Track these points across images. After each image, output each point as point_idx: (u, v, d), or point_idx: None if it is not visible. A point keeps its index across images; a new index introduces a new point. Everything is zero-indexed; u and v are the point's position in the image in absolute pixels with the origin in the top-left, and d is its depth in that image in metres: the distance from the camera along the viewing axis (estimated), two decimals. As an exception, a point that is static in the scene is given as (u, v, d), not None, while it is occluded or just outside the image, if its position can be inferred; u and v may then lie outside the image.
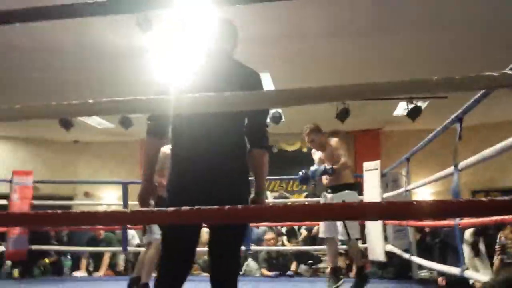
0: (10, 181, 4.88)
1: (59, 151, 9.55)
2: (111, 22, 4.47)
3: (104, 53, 5.11)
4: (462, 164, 2.57)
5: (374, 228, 4.53)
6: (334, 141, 3.97)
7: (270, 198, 7.76)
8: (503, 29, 4.59)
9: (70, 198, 8.78)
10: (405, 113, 7.48)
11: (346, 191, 3.78)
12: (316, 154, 4.04)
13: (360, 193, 4.72)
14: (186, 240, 1.82)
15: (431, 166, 6.44)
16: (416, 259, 4.00)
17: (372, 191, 4.58)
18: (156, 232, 3.34)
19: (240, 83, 1.86)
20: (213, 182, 1.75)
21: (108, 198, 8.89)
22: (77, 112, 1.43)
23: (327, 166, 3.75)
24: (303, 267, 5.53)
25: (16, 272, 4.95)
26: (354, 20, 4.59)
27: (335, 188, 3.83)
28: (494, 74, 1.18)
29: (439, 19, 4.46)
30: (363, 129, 8.70)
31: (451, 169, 2.73)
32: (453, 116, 2.61)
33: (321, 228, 3.98)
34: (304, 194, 8.63)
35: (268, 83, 6.44)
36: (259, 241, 5.62)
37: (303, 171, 3.96)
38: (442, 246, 4.13)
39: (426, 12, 4.36)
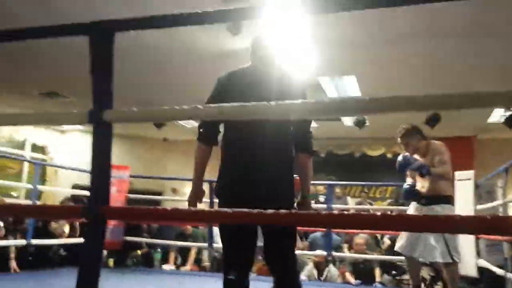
0: (109, 175, 5.25)
1: (151, 148, 10.14)
2: (203, 26, 4.69)
3: (194, 55, 5.34)
4: None
5: (466, 242, 4.28)
6: (438, 144, 3.43)
7: (352, 203, 7.62)
8: None
9: (159, 194, 9.29)
10: (501, 120, 6.98)
11: (442, 204, 3.28)
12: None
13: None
14: (245, 241, 1.91)
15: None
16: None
17: (465, 202, 4.33)
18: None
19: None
20: (265, 187, 1.85)
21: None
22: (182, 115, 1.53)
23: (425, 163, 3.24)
24: (386, 277, 5.36)
25: (111, 262, 5.34)
26: (449, 22, 4.37)
27: (431, 199, 3.32)
28: None
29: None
30: (454, 136, 8.25)
31: None
32: None
33: (400, 241, 3.46)
34: (388, 201, 8.37)
35: (354, 87, 6.34)
36: (339, 248, 5.54)
37: (410, 184, 3.44)
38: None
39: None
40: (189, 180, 7.16)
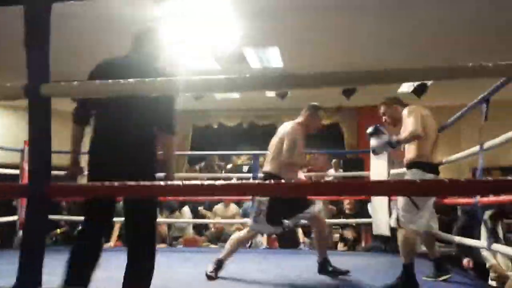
0: (22, 151, 4.95)
1: (65, 122, 9.56)
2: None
3: (115, 24, 5.09)
4: (487, 144, 2.65)
5: (379, 203, 4.66)
6: (405, 110, 3.07)
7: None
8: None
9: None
10: (410, 90, 7.53)
11: (412, 169, 3.03)
12: None
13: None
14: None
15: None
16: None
17: (379, 167, 4.68)
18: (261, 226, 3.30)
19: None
20: (127, 164, 2.06)
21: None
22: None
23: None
24: (307, 240, 5.69)
25: (29, 241, 5.08)
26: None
27: (407, 167, 3.12)
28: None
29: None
30: (367, 105, 8.75)
31: (476, 148, 2.82)
32: (480, 97, 2.68)
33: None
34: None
35: (276, 58, 6.46)
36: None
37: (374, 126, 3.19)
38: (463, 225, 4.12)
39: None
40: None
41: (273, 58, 6.48)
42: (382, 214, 4.64)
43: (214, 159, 8.26)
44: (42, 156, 1.33)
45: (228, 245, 3.38)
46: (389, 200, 4.61)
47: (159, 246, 5.47)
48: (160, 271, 2.20)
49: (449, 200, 4.01)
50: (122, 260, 2.10)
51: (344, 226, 5.77)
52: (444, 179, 1.15)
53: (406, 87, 7.60)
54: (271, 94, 8.03)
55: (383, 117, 3.31)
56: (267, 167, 3.39)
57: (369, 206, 6.13)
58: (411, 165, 3.06)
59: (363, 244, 5.65)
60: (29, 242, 1.28)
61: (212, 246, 5.50)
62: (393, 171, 4.64)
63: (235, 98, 8.34)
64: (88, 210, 2.19)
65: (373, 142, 3.19)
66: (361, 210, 5.77)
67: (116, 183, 1.36)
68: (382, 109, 3.31)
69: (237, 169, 8.56)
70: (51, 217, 5.18)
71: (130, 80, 1.30)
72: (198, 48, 5.95)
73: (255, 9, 4.91)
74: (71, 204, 5.75)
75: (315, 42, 5.86)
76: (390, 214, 4.62)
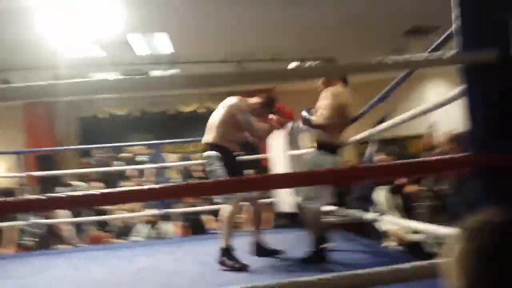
0: None
1: None
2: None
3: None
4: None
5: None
6: (329, 92, 3.16)
7: (173, 159, 7.81)
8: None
9: None
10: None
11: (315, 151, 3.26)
12: None
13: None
14: None
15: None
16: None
17: (278, 149, 4.90)
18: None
19: None
20: None
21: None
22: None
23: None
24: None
25: None
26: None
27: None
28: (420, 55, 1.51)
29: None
30: (256, 88, 9.03)
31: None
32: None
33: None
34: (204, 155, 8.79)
35: (166, 44, 6.36)
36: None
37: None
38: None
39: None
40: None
41: (162, 44, 6.39)
42: (284, 193, 4.90)
43: (107, 151, 7.92)
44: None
45: (223, 229, 3.17)
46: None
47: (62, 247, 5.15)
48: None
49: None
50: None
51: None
52: (338, 168, 1.33)
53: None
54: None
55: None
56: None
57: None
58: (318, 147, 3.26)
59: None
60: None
61: (121, 241, 5.33)
62: (290, 153, 4.90)
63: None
64: None
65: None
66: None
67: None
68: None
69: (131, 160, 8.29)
70: None
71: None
72: (81, 36, 5.65)
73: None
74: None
75: (206, 29, 5.91)
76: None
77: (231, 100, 3.33)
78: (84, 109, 8.61)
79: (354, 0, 5.16)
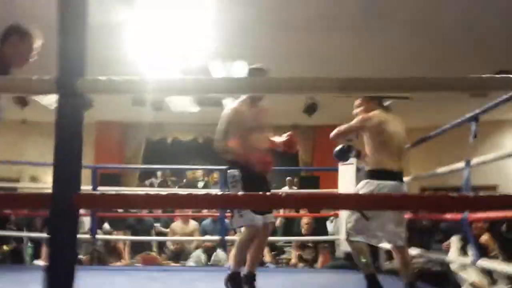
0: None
1: (5, 130, 8.91)
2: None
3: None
4: (474, 161, 2.71)
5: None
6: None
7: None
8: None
9: (16, 181, 8.26)
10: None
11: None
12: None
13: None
14: None
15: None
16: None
17: (348, 185, 4.70)
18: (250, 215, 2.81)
19: None
20: None
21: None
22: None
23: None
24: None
25: (-27, 261, 4.59)
26: (340, 15, 4.68)
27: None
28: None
29: (430, 21, 4.66)
30: (324, 124, 8.88)
31: (461, 164, 2.86)
32: (469, 115, 2.74)
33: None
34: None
35: (242, 72, 6.38)
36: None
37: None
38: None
39: (416, 14, 4.55)
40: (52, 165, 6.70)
41: (240, 72, 6.43)
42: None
43: (168, 175, 8.00)
44: (70, 161, 1.15)
45: (234, 253, 3.03)
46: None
47: (118, 263, 5.14)
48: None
49: (432, 216, 4.03)
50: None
51: (303, 247, 5.73)
52: (423, 194, 1.13)
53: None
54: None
55: (357, 109, 3.16)
56: None
57: (328, 224, 6.17)
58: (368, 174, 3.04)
59: (319, 263, 5.59)
60: (57, 261, 1.09)
61: (173, 264, 5.25)
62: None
63: (192, 112, 8.17)
64: None
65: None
66: (318, 229, 5.79)
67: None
68: (359, 100, 3.16)
69: (192, 184, 8.33)
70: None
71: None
72: (165, 60, 5.80)
73: (228, 22, 4.86)
74: (18, 219, 5.27)
75: (283, 58, 5.88)
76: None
77: None
78: (153, 131, 8.81)
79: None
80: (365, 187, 2.98)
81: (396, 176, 2.95)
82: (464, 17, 4.62)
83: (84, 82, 1.13)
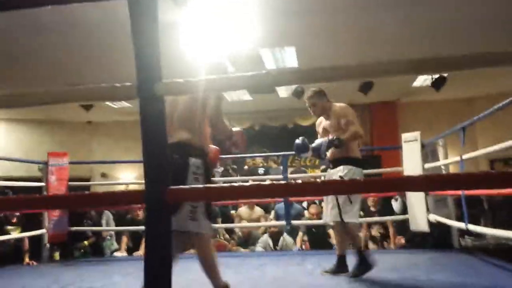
0: (46, 163, 4.82)
1: (73, 131, 9.47)
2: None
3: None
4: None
5: (416, 199, 4.56)
6: (339, 106, 3.32)
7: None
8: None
9: (88, 179, 8.77)
10: (424, 84, 7.48)
11: (345, 165, 3.20)
12: (321, 125, 3.44)
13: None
14: None
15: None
16: (472, 227, 3.81)
17: (413, 162, 4.59)
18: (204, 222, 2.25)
19: None
20: None
21: (126, 179, 8.89)
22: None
23: (331, 137, 3.19)
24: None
25: (56, 255, 4.94)
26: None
27: (336, 162, 3.27)
28: None
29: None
30: (380, 101, 8.69)
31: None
32: None
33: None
34: (321, 168, 8.67)
35: (292, 58, 6.38)
36: (300, 216, 5.66)
37: (302, 137, 3.36)
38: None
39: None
40: (122, 162, 6.92)
41: (289, 58, 6.41)
42: (419, 210, 4.55)
43: (228, 163, 8.15)
44: (158, 158, 1.22)
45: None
46: (426, 196, 4.52)
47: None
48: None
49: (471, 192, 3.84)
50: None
51: (370, 225, 5.67)
52: (479, 172, 1.08)
53: (420, 82, 7.56)
54: (282, 94, 7.95)
55: (313, 107, 3.36)
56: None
57: (393, 202, 6.05)
58: (345, 160, 3.24)
59: (391, 241, 5.54)
60: (154, 254, 1.17)
61: (242, 250, 5.38)
62: (427, 166, 4.55)
63: (247, 100, 8.25)
64: None
65: (317, 143, 3.30)
66: (385, 207, 5.71)
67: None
68: (313, 98, 3.35)
69: (252, 171, 8.46)
70: (77, 228, 5.06)
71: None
72: (214, 50, 5.86)
73: (274, 10, 4.84)
74: (95, 215, 5.60)
75: (330, 42, 5.81)
76: (428, 209, 4.54)
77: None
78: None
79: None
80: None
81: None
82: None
83: (161, 86, 1.19)
